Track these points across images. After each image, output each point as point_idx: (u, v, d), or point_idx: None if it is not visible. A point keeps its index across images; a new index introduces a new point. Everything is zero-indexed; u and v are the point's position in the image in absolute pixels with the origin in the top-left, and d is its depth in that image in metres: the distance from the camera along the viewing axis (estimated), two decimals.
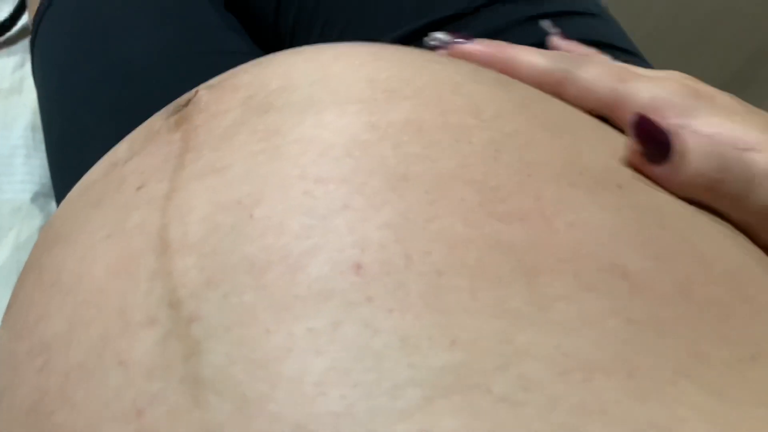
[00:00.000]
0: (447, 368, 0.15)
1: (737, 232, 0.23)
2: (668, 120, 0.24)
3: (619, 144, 0.24)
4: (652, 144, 0.23)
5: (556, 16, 0.41)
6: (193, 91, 0.25)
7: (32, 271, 0.22)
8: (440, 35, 0.29)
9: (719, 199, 0.23)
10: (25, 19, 0.62)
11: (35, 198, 0.53)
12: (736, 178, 0.23)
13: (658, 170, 0.23)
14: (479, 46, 0.28)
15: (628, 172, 0.22)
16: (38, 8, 0.51)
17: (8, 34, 0.61)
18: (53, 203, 0.53)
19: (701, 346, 0.17)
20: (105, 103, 0.44)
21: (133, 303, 0.18)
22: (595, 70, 0.26)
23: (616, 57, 0.41)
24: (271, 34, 0.49)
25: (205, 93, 0.24)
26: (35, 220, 0.52)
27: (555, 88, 0.27)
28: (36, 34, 0.50)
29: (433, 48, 0.29)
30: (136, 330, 0.17)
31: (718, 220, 0.23)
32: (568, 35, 0.34)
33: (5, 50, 0.60)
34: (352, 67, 0.23)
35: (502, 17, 0.42)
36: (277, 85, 0.23)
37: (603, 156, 0.22)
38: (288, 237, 0.18)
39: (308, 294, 0.16)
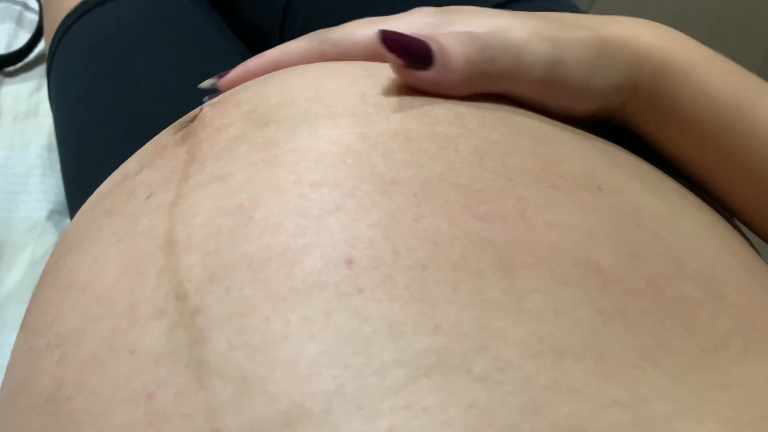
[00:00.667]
0: (430, 350, 0.17)
1: (727, 228, 0.24)
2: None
3: (600, 150, 0.25)
4: (410, 54, 0.24)
5: (512, 2, 0.42)
6: (198, 108, 0.27)
7: (49, 275, 0.24)
8: (208, 82, 0.30)
9: (497, 82, 0.25)
10: (41, 46, 0.64)
11: (50, 216, 0.54)
12: (501, 56, 0.25)
13: (428, 76, 0.24)
14: (240, 70, 0.29)
15: (608, 176, 0.23)
16: (54, 36, 0.53)
17: (26, 60, 0.63)
18: (67, 220, 0.55)
19: (666, 336, 0.18)
20: (117, 125, 0.45)
21: (142, 297, 0.19)
22: (347, 29, 0.28)
23: None
24: None
25: (209, 109, 0.26)
26: (50, 237, 0.53)
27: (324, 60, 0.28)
28: (52, 60, 0.52)
29: (210, 92, 0.30)
30: (145, 322, 0.19)
31: (704, 218, 0.24)
32: None
33: (22, 76, 0.62)
34: (345, 84, 0.25)
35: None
36: (276, 100, 0.24)
37: (583, 161, 0.23)
38: (284, 236, 0.19)
39: (303, 286, 0.18)
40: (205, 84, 0.30)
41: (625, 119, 0.29)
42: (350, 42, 0.28)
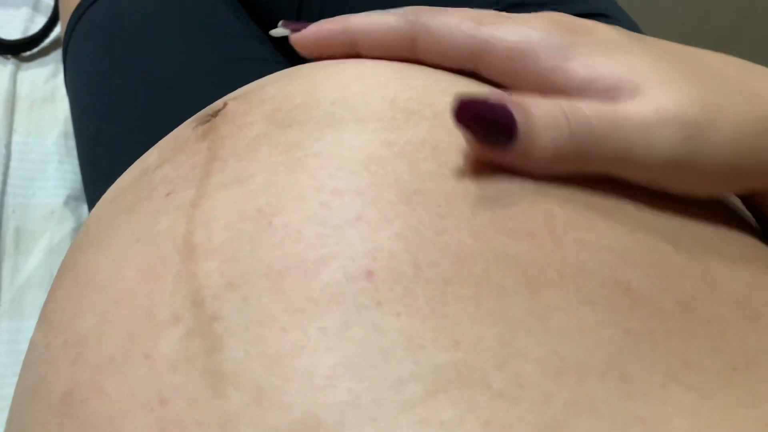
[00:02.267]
0: (449, 365, 0.16)
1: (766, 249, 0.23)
2: (540, 64, 0.22)
3: None
4: (487, 128, 0.20)
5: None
6: (221, 102, 0.26)
7: (69, 270, 0.24)
8: (279, 30, 0.27)
9: (599, 167, 0.21)
10: (57, 31, 0.64)
11: (67, 202, 0.55)
12: (610, 143, 0.20)
13: (504, 157, 0.20)
14: (315, 28, 0.26)
15: (650, 196, 0.22)
16: (70, 20, 0.52)
17: (41, 46, 0.63)
18: (84, 207, 0.55)
19: (693, 355, 0.18)
20: (133, 110, 0.45)
21: (159, 302, 0.19)
22: (452, 18, 0.23)
23: None
24: None
25: (233, 104, 0.25)
26: (67, 224, 0.54)
27: (409, 49, 0.24)
28: (68, 45, 0.52)
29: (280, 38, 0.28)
30: (162, 327, 0.18)
31: (745, 238, 0.23)
32: None
33: (38, 61, 0.62)
34: (374, 87, 0.24)
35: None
36: (301, 100, 0.24)
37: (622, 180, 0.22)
38: (304, 245, 0.19)
39: (321, 297, 0.18)
40: (276, 32, 0.27)
41: (756, 203, 0.24)
42: (447, 35, 0.23)
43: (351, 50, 0.26)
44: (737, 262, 0.22)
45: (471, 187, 0.20)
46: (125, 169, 0.28)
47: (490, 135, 0.20)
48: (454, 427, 0.15)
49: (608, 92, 0.21)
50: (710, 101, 0.20)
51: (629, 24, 0.44)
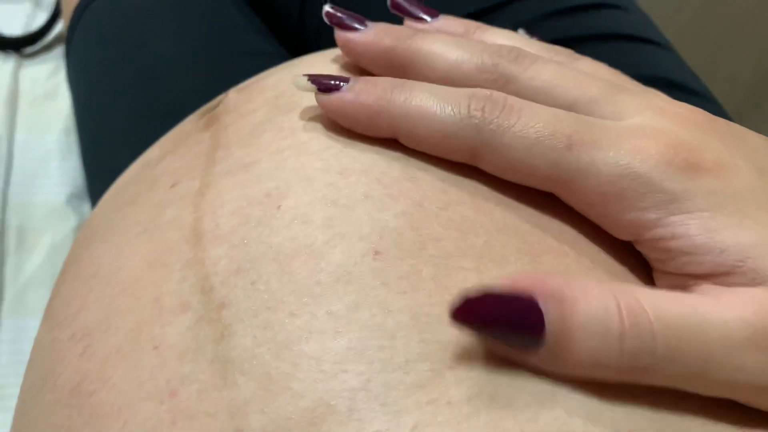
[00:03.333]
0: (454, 341, 0.16)
1: None
2: (641, 215, 0.17)
3: None
4: (500, 332, 0.15)
5: (581, 10, 0.40)
6: (224, 94, 0.26)
7: (72, 266, 0.24)
8: (302, 83, 0.21)
9: (661, 382, 0.16)
10: (59, 27, 0.64)
11: (70, 200, 0.54)
12: (672, 360, 0.15)
13: (524, 358, 0.16)
14: (368, 39, 0.22)
15: None
16: (72, 16, 0.52)
17: (43, 42, 0.63)
18: (87, 205, 0.55)
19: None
20: (136, 106, 0.45)
21: (167, 290, 0.19)
22: (533, 127, 0.18)
23: (643, 51, 0.38)
24: (296, 34, 0.50)
25: (234, 95, 0.25)
26: (70, 222, 0.53)
27: (469, 159, 0.19)
28: (70, 41, 0.52)
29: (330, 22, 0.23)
30: (170, 316, 0.18)
31: None
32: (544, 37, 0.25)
33: (41, 57, 0.62)
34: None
35: (526, 12, 0.41)
36: None
37: None
38: (312, 227, 0.19)
39: (329, 280, 0.18)
40: (300, 86, 0.21)
41: None
42: (523, 158, 0.18)
43: (391, 136, 0.20)
44: None
45: (473, 160, 0.20)
46: (128, 166, 0.28)
47: (506, 337, 0.15)
48: (461, 406, 0.15)
49: (721, 273, 0.16)
50: None
51: (640, 15, 0.44)
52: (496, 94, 0.19)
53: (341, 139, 0.21)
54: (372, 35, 0.22)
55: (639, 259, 0.19)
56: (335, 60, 0.25)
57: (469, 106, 0.19)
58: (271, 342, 0.17)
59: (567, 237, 0.19)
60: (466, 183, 0.20)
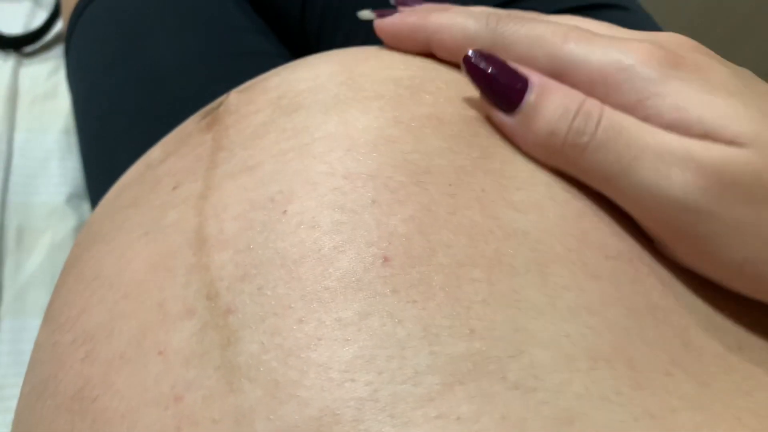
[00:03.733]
0: (465, 356, 0.16)
1: None
2: (622, 96, 0.19)
3: None
4: (494, 90, 0.20)
5: (584, 9, 0.40)
6: (225, 95, 0.26)
7: (73, 268, 0.23)
8: (367, 12, 0.26)
9: (593, 180, 0.19)
10: (59, 26, 0.63)
11: (69, 200, 0.54)
12: (605, 154, 0.19)
13: (506, 121, 0.20)
14: (397, 19, 0.25)
15: None
16: (72, 15, 0.52)
17: (43, 40, 0.63)
18: (86, 205, 0.54)
19: (692, 334, 0.18)
20: (136, 105, 0.45)
21: (171, 296, 0.18)
22: (535, 30, 0.21)
23: None
24: (297, 35, 0.50)
25: (236, 96, 0.25)
26: (69, 222, 0.53)
27: None
28: (70, 40, 0.52)
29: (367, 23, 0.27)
30: (175, 321, 0.18)
31: None
32: None
33: (41, 56, 0.62)
34: (379, 68, 0.24)
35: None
36: (306, 86, 0.23)
37: None
38: (319, 232, 0.18)
39: (338, 286, 0.17)
40: (363, 14, 0.26)
41: None
42: (527, 50, 0.21)
43: (426, 48, 0.24)
44: None
45: (478, 160, 0.20)
46: (128, 166, 0.27)
47: (493, 96, 0.20)
48: (471, 423, 0.15)
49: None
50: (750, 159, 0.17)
51: (643, 15, 0.44)
52: (511, 12, 0.23)
53: (345, 140, 0.21)
54: (398, 17, 0.25)
55: (653, 269, 0.19)
56: (337, 62, 0.25)
57: (487, 18, 0.22)
58: (279, 348, 0.17)
59: (573, 244, 0.19)
60: (473, 185, 0.19)
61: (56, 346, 0.21)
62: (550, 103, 0.20)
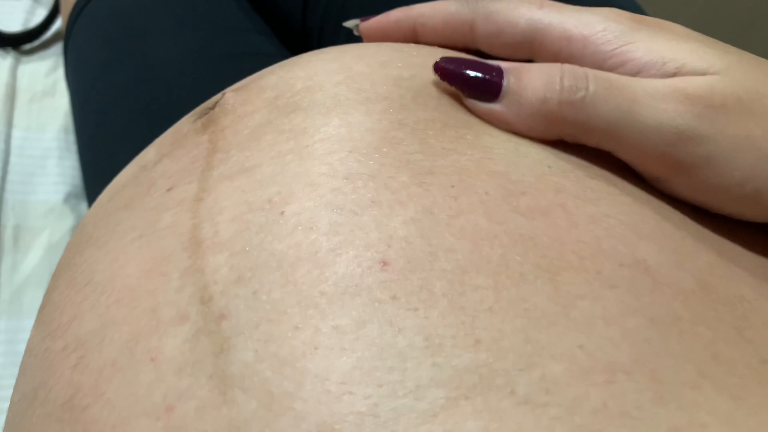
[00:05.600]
0: (470, 368, 0.15)
1: None
2: (599, 47, 0.21)
3: None
4: (471, 87, 0.21)
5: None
6: (220, 93, 0.25)
7: (65, 272, 0.23)
8: (352, 21, 0.28)
9: (593, 137, 0.20)
10: (58, 24, 0.63)
11: (67, 199, 0.54)
12: (602, 107, 0.20)
13: (491, 110, 0.21)
14: (382, 16, 0.27)
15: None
16: (71, 13, 0.51)
17: (42, 38, 0.62)
18: (84, 204, 0.54)
19: (721, 346, 0.17)
20: (135, 105, 0.44)
21: (164, 300, 0.18)
22: (509, 3, 0.23)
23: None
24: (298, 35, 0.50)
25: (232, 95, 0.24)
26: (67, 221, 0.53)
27: (468, 35, 0.24)
28: (69, 38, 0.51)
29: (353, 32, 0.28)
30: (167, 327, 0.17)
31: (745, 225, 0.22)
32: None
33: (39, 54, 0.61)
34: (377, 66, 0.23)
35: None
36: (303, 85, 0.23)
37: None
38: (317, 234, 0.18)
39: (335, 291, 0.17)
40: (349, 23, 0.28)
41: None
42: (505, 18, 0.23)
43: (413, 37, 0.26)
44: (746, 240, 0.21)
45: (482, 161, 0.20)
46: (126, 165, 0.27)
47: (474, 90, 0.21)
48: None
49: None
50: (734, 88, 0.19)
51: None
52: None
53: (347, 142, 0.20)
54: (382, 15, 0.27)
55: (673, 277, 0.18)
56: (333, 59, 0.24)
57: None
58: (273, 357, 0.16)
59: (586, 252, 0.18)
60: (477, 188, 0.19)
61: (47, 353, 0.20)
62: (531, 77, 0.21)
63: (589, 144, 0.21)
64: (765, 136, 0.19)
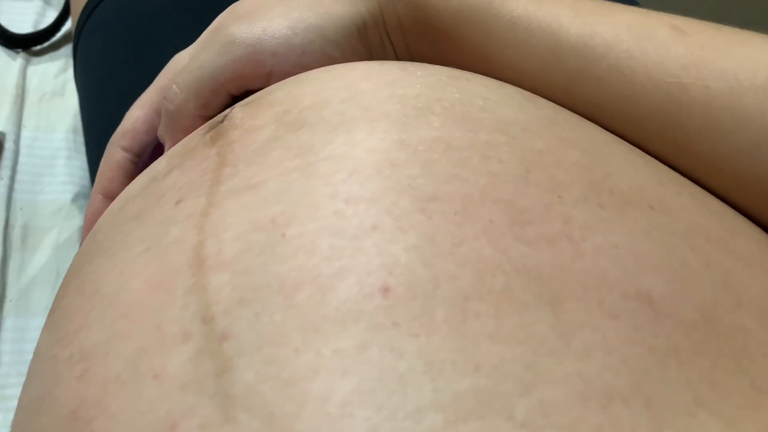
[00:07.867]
0: (470, 393, 0.16)
1: None
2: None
3: (646, 162, 0.23)
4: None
5: None
6: (229, 108, 0.26)
7: (75, 279, 0.23)
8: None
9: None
10: (68, 26, 0.63)
11: (75, 199, 0.54)
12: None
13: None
14: (91, 206, 0.35)
15: (659, 192, 0.22)
16: (81, 15, 0.52)
17: (52, 40, 0.63)
18: None
19: (720, 375, 0.17)
20: None
21: (169, 317, 0.18)
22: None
23: None
24: None
25: (240, 109, 0.25)
26: (75, 221, 0.53)
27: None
28: (78, 39, 0.52)
29: None
30: (171, 344, 0.18)
31: (759, 236, 0.22)
32: None
33: (49, 55, 0.62)
34: (383, 84, 0.23)
35: None
36: (310, 101, 0.23)
37: (632, 174, 0.22)
38: (318, 257, 0.18)
39: (336, 315, 0.17)
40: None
41: (391, 40, 0.29)
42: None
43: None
44: (753, 262, 0.21)
45: (488, 188, 0.19)
46: None
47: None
48: None
49: None
50: None
51: None
52: None
53: (350, 162, 0.20)
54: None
55: (674, 309, 0.18)
56: (340, 75, 0.24)
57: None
58: (275, 379, 0.16)
59: (590, 283, 0.18)
60: (481, 216, 0.19)
61: (54, 361, 0.20)
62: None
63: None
64: None
